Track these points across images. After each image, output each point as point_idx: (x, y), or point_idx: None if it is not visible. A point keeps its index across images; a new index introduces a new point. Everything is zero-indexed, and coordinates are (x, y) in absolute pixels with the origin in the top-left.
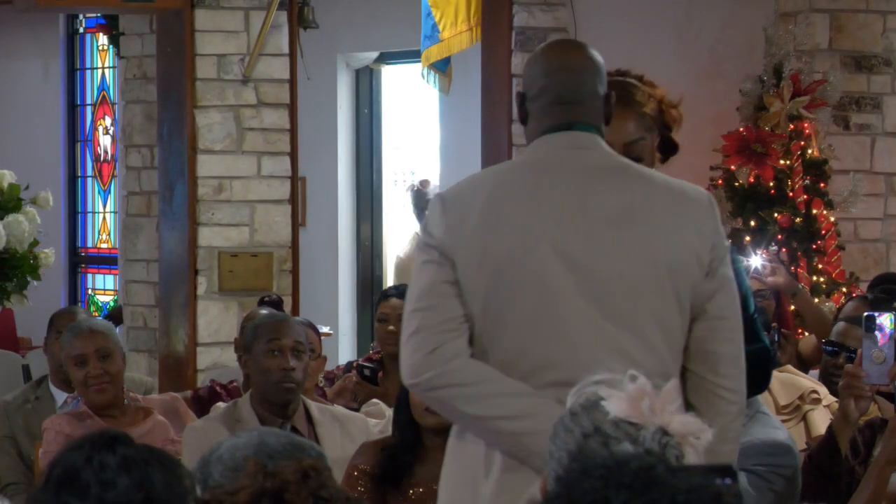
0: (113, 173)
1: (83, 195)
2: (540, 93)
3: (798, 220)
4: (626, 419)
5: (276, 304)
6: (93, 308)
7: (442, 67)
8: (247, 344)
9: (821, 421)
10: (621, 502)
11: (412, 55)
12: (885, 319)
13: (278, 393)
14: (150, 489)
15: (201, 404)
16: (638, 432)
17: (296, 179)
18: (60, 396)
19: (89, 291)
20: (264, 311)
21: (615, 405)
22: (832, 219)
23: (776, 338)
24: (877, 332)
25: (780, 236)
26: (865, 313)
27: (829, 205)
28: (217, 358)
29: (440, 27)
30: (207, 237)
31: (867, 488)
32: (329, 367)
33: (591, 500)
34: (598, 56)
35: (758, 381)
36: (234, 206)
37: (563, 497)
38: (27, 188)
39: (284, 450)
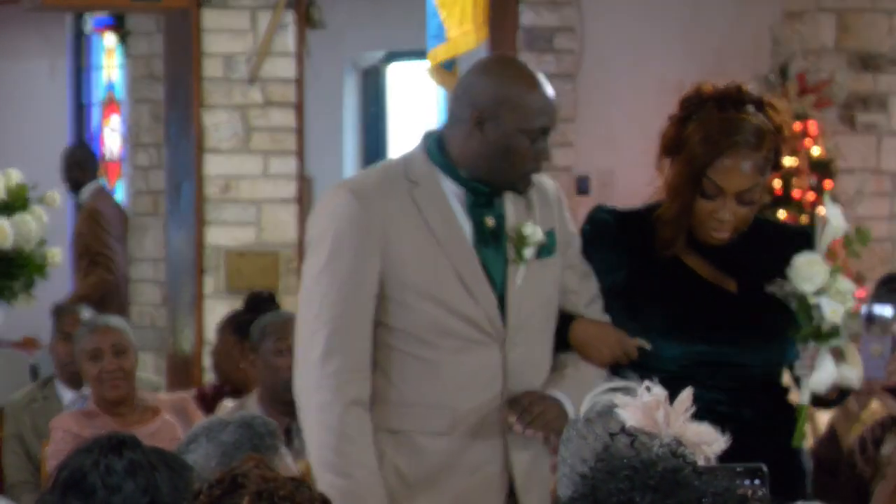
0: (120, 173)
1: None
2: None
3: (804, 219)
4: (640, 429)
5: (265, 301)
6: None
7: (449, 67)
8: (254, 344)
9: (823, 418)
10: None
11: (419, 54)
12: (884, 311)
13: (289, 391)
14: (156, 494)
15: (206, 402)
16: (652, 442)
17: (302, 179)
18: (67, 395)
19: None
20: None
21: (630, 414)
22: None
23: None
24: (876, 325)
25: None
26: (864, 306)
27: None
28: None
29: (446, 27)
30: (214, 236)
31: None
32: None
33: (618, 502)
34: (477, 73)
35: None
36: (240, 206)
37: (588, 497)
38: (34, 187)
39: (241, 438)
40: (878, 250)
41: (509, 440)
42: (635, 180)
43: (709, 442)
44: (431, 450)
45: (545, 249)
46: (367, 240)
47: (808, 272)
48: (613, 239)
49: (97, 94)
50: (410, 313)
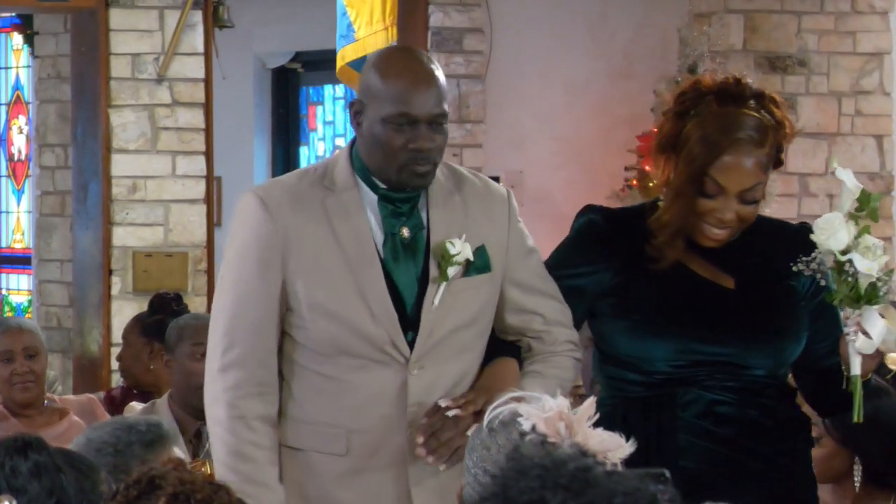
0: (27, 173)
1: None
2: None
3: None
4: (543, 438)
5: (173, 300)
6: (7, 308)
7: (358, 67)
8: (170, 345)
9: None
10: (558, 503)
11: (329, 55)
12: None
13: (202, 396)
14: (62, 495)
15: (114, 405)
16: (555, 451)
17: (211, 179)
18: None
19: (3, 291)
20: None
21: (532, 424)
22: None
23: None
24: None
25: None
26: None
27: None
28: None
29: (355, 27)
30: (122, 237)
31: None
32: None
33: (528, 501)
34: (364, 68)
35: None
36: (148, 206)
37: (499, 496)
38: None
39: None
40: None
41: (410, 472)
42: (544, 181)
43: (612, 449)
44: (327, 470)
45: (474, 267)
46: (269, 253)
47: (830, 229)
48: (604, 239)
49: (4, 95)
50: (310, 328)
